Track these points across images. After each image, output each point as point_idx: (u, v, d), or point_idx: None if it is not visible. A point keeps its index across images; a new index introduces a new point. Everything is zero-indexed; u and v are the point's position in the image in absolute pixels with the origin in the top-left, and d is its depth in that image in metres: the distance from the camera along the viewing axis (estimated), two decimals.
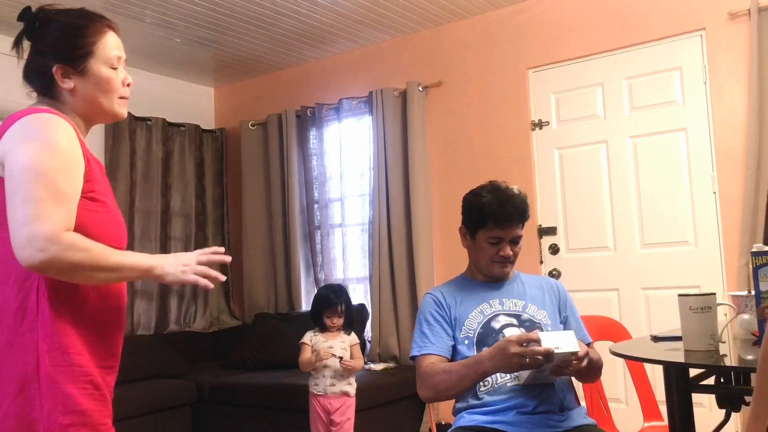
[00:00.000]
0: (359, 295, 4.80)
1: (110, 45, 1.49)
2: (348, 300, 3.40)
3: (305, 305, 4.96)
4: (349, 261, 4.84)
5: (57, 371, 1.35)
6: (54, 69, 1.44)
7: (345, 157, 4.86)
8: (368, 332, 4.57)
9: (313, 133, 5.00)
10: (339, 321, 3.32)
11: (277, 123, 5.11)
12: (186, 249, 5.11)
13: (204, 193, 5.32)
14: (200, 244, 5.20)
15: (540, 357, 1.73)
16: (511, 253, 2.05)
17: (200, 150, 5.33)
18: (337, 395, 3.26)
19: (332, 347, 3.27)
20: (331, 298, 3.34)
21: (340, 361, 3.24)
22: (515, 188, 2.10)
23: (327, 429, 3.28)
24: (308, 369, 3.30)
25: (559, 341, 1.72)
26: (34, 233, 1.27)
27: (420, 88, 4.47)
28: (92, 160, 1.46)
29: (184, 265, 1.43)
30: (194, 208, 5.21)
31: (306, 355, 3.29)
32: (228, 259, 1.51)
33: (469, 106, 4.34)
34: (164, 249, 4.98)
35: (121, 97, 1.52)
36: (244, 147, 5.27)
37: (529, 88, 4.14)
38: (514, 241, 2.07)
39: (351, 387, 3.32)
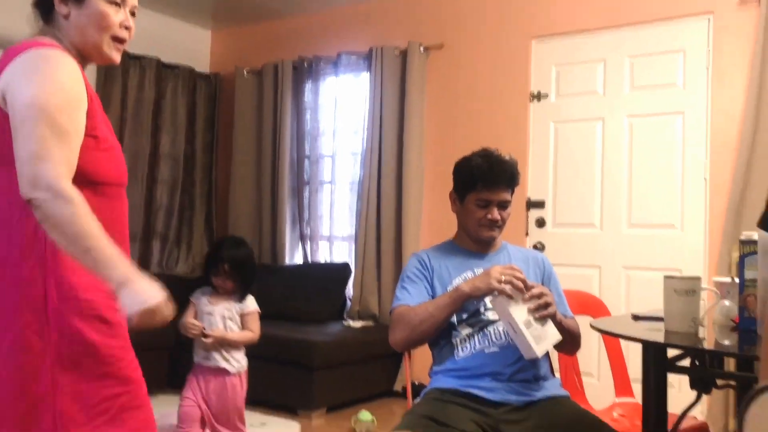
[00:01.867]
0: (343, 253, 4.81)
1: None
2: (243, 259, 2.81)
3: (289, 259, 4.97)
4: (336, 218, 4.84)
5: (64, 306, 1.36)
6: None
7: (339, 113, 4.81)
8: (349, 290, 4.59)
9: (308, 86, 4.94)
10: (228, 283, 2.78)
11: (273, 73, 5.03)
12: (172, 192, 5.09)
13: (194, 137, 5.27)
14: (187, 188, 5.18)
15: (518, 279, 1.82)
16: (498, 217, 2.06)
17: (193, 94, 5.26)
18: (211, 370, 2.75)
19: (211, 314, 2.76)
20: (219, 253, 2.79)
21: (203, 336, 2.71)
22: (507, 155, 2.10)
23: (203, 404, 2.78)
24: (186, 334, 2.77)
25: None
26: (37, 173, 1.27)
27: (421, 49, 4.41)
28: (94, 96, 1.44)
29: (142, 302, 1.29)
30: (183, 152, 5.16)
31: (188, 317, 2.79)
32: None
33: (469, 71, 4.30)
34: (150, 192, 4.95)
35: (115, 38, 1.48)
36: (238, 94, 5.20)
37: (531, 58, 4.10)
38: (503, 205, 2.07)
39: (230, 364, 2.77)
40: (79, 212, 1.28)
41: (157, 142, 5.01)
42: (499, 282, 1.84)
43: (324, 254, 4.88)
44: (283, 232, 4.94)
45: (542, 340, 1.86)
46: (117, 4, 1.46)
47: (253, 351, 4.03)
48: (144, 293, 1.29)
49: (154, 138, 4.98)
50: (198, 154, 5.28)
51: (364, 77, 4.66)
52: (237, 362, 2.79)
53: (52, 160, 1.28)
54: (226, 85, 5.40)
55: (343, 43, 4.78)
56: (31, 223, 1.34)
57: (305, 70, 4.93)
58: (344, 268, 4.59)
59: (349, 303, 4.59)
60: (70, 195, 1.28)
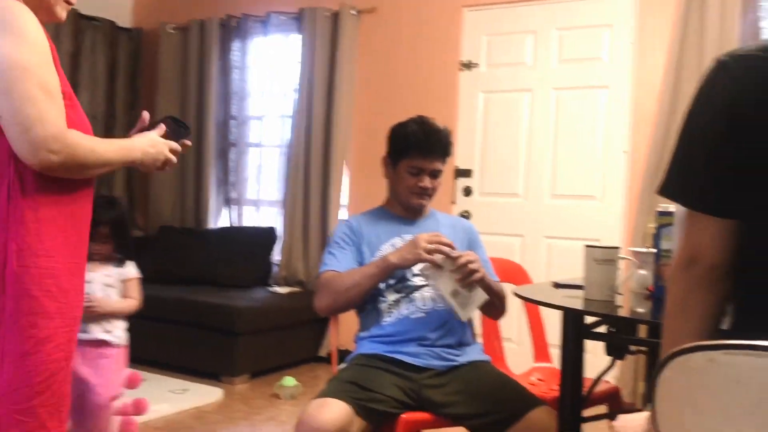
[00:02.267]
0: (270, 217, 4.75)
1: None
2: (118, 220, 2.57)
3: (213, 223, 4.87)
4: (263, 182, 4.76)
5: (23, 272, 1.33)
6: None
7: (268, 75, 4.70)
8: (276, 256, 4.54)
9: (236, 45, 4.80)
10: (103, 248, 2.49)
11: (199, 30, 4.85)
12: None
13: (114, 95, 5.05)
14: None
15: (445, 249, 1.86)
16: (430, 185, 2.07)
17: (113, 49, 5.02)
18: (90, 344, 2.39)
19: (90, 282, 2.38)
20: (93, 216, 2.57)
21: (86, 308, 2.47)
22: (442, 125, 2.11)
23: (80, 387, 2.32)
24: None
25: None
26: (41, 136, 1.28)
27: (353, 12, 4.34)
28: (53, 49, 1.39)
29: (155, 155, 1.50)
30: (103, 111, 4.95)
31: None
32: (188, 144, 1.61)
33: (400, 36, 4.27)
34: None
35: None
36: (162, 51, 5.00)
37: (462, 27, 4.10)
38: (434, 175, 2.08)
39: (111, 335, 2.45)
40: (94, 145, 1.37)
41: None
42: (427, 251, 1.86)
43: (250, 219, 4.80)
44: (208, 195, 4.82)
45: (468, 305, 1.94)
46: None
47: (174, 316, 3.97)
48: (152, 152, 1.50)
49: None
50: (118, 114, 5.07)
51: (294, 38, 4.56)
52: (118, 334, 2.49)
53: (52, 120, 1.29)
54: (149, 41, 5.17)
55: (273, 2, 4.65)
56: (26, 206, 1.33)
57: (233, 29, 4.78)
58: (270, 232, 4.53)
59: (275, 269, 4.55)
60: (79, 140, 1.34)
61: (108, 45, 4.97)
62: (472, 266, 1.88)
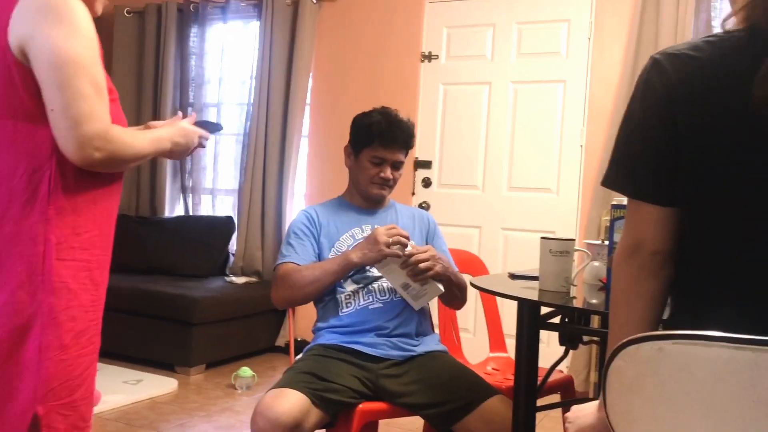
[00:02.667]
0: (226, 207, 4.70)
1: None
2: None
3: (169, 211, 4.79)
4: (220, 171, 4.70)
5: (62, 265, 1.33)
6: None
7: (227, 62, 4.63)
8: (233, 245, 4.50)
9: (194, 31, 4.71)
10: None
11: (156, 14, 4.75)
12: None
13: None
14: None
15: (403, 240, 1.87)
16: (391, 176, 2.08)
17: None
18: None
19: None
20: None
21: None
22: (405, 117, 2.12)
23: None
24: None
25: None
26: (89, 134, 1.28)
27: (314, 0, 4.30)
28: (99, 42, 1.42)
29: (186, 144, 1.53)
30: None
31: None
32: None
33: (361, 27, 4.25)
34: None
35: None
36: (117, 36, 4.88)
37: (423, 18, 4.10)
38: (396, 166, 2.09)
39: None
40: (133, 142, 1.38)
41: None
42: (388, 246, 1.86)
43: (206, 207, 4.73)
44: (163, 183, 4.74)
45: (420, 298, 1.97)
46: None
47: (129, 306, 3.89)
48: (182, 142, 1.52)
49: None
50: None
51: (254, 26, 4.50)
52: None
53: (99, 118, 1.30)
54: (103, 24, 4.99)
55: None
56: (35, 179, 1.32)
57: (191, 14, 4.69)
58: (227, 222, 4.48)
59: (232, 258, 4.50)
60: (122, 137, 1.34)
61: None
62: (423, 265, 1.89)
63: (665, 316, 1.11)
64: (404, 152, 2.10)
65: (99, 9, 1.46)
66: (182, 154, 1.55)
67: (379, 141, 2.04)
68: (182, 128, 1.53)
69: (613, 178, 1.11)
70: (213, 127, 1.66)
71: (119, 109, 1.44)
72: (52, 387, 1.32)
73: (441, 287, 1.96)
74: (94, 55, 1.32)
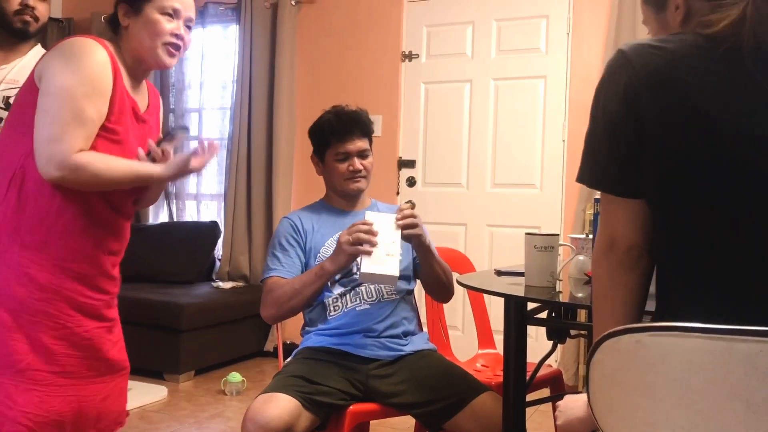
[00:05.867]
0: (211, 212, 4.68)
1: None
2: None
3: (153, 218, 4.76)
4: (204, 176, 4.67)
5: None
6: (119, 7, 1.69)
7: (207, 66, 4.61)
8: (219, 250, 4.48)
9: None
10: None
11: None
12: None
13: None
14: None
15: (363, 233, 1.79)
16: (360, 166, 2.05)
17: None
18: None
19: None
20: None
21: None
22: (356, 107, 2.12)
23: None
24: None
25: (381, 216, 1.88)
26: (52, 153, 1.48)
27: (293, 2, 4.29)
28: (124, 94, 1.61)
29: (180, 174, 1.67)
30: None
31: None
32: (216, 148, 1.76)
33: (341, 28, 4.25)
34: None
35: (167, 44, 1.66)
36: None
37: (403, 18, 4.11)
38: (362, 155, 2.06)
39: None
40: (100, 168, 1.52)
41: None
42: (350, 244, 1.81)
43: (191, 213, 4.71)
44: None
45: (382, 264, 1.80)
46: (170, 15, 1.66)
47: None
48: (172, 168, 1.65)
49: None
50: None
51: (233, 30, 4.49)
52: None
53: (67, 143, 1.48)
54: (80, 31, 4.99)
55: None
56: (13, 196, 1.55)
57: None
58: (213, 227, 4.46)
59: (218, 263, 4.48)
60: (83, 161, 1.49)
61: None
62: (407, 212, 1.89)
63: (652, 308, 1.12)
64: (365, 139, 2.07)
65: (168, 61, 1.69)
66: (175, 178, 1.71)
67: (336, 137, 2.04)
68: (173, 164, 1.66)
69: (583, 173, 1.12)
70: (180, 132, 1.76)
71: (116, 148, 1.59)
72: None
73: (396, 272, 1.81)
74: (87, 92, 1.51)
